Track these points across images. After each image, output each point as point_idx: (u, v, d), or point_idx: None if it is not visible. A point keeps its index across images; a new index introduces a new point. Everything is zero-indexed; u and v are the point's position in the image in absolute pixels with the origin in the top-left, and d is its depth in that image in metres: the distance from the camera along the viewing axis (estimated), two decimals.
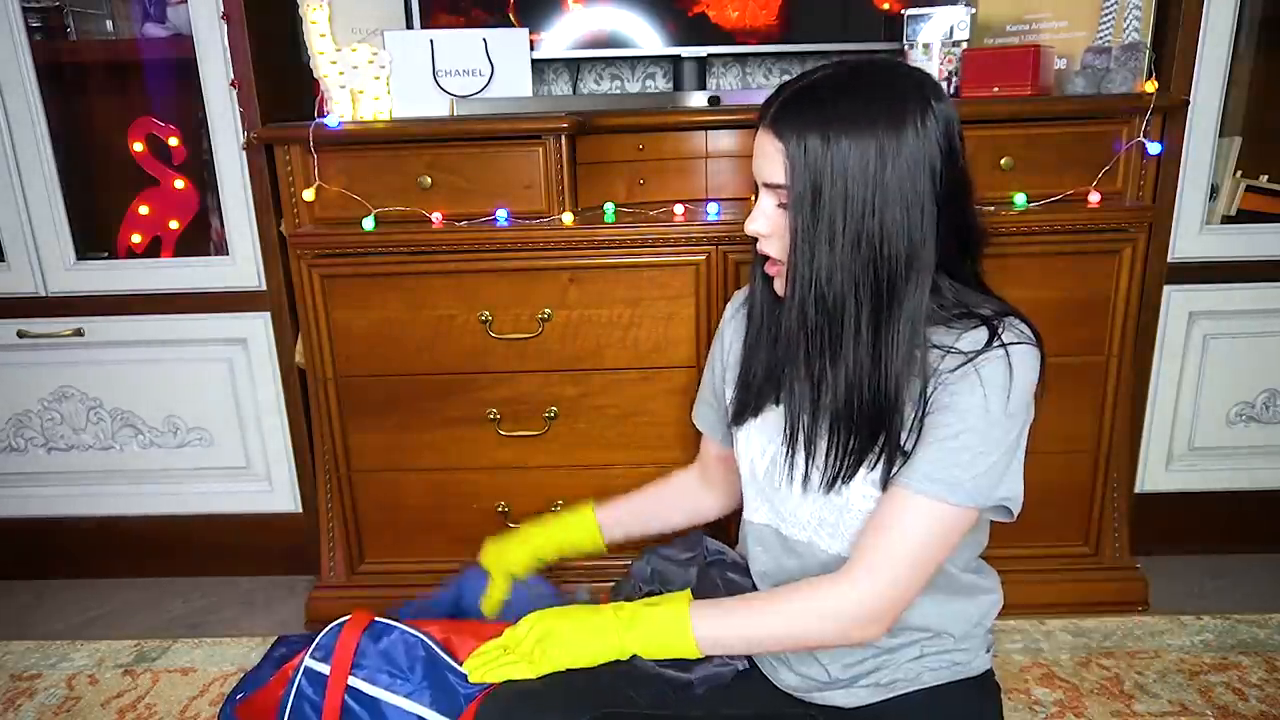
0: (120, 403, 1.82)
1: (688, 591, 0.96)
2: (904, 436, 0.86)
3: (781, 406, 0.95)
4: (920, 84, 0.83)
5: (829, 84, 0.83)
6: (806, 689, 1.01)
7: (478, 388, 1.56)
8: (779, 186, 0.84)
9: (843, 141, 0.80)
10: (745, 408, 1.00)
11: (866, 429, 0.87)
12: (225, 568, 1.91)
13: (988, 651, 1.03)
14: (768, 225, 0.87)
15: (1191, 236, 1.66)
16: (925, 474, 0.84)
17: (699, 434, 1.55)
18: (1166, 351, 1.73)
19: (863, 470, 0.89)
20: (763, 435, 1.00)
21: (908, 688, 0.98)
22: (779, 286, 0.91)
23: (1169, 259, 1.67)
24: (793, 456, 0.92)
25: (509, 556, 1.15)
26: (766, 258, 0.93)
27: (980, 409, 0.83)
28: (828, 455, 0.89)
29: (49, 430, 1.84)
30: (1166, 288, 1.69)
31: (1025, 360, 0.85)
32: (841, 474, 0.89)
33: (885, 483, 0.88)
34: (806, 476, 0.92)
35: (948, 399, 0.84)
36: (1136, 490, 1.81)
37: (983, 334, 0.85)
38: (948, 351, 0.85)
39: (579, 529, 1.18)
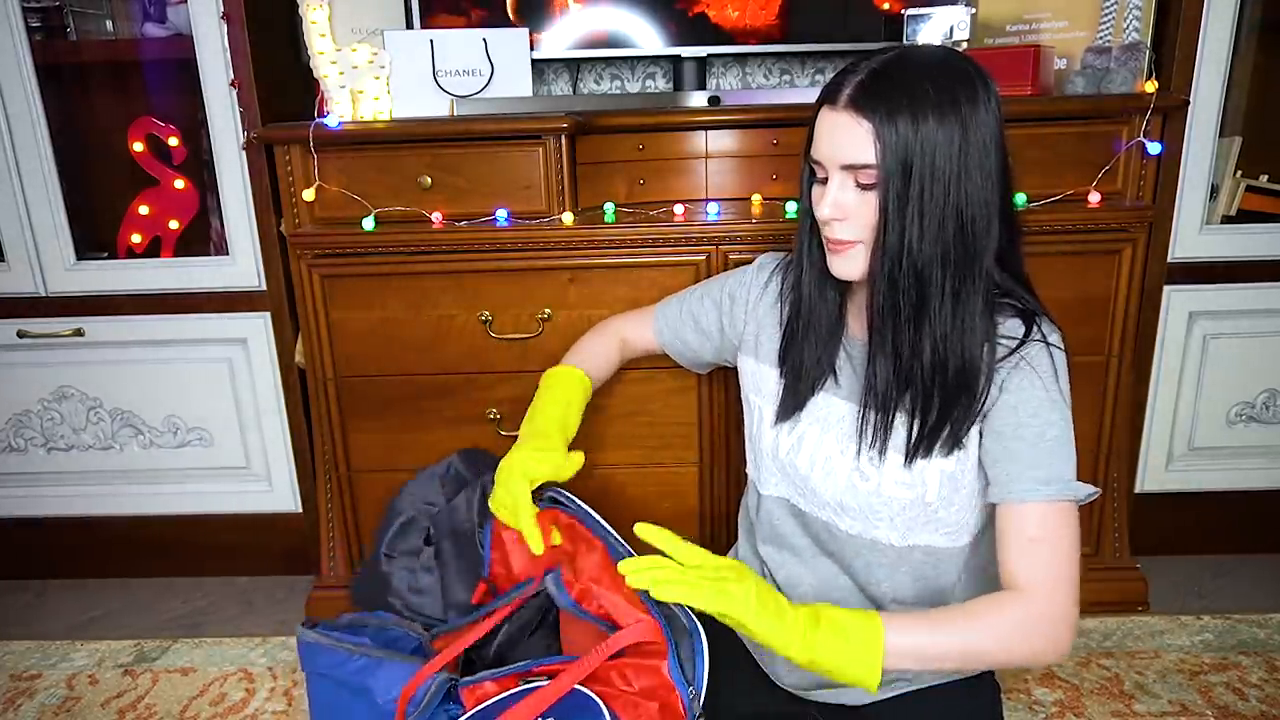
0: (120, 403, 1.82)
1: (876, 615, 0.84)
2: (978, 406, 0.88)
3: (820, 394, 0.98)
4: (977, 66, 0.86)
5: (901, 65, 0.84)
6: (806, 686, 1.01)
7: (478, 388, 1.56)
8: (864, 166, 0.84)
9: (930, 119, 0.82)
10: (798, 403, 1.00)
11: (948, 396, 0.88)
12: (225, 568, 1.91)
13: None
14: (843, 209, 0.87)
15: (1191, 236, 1.66)
16: (1037, 479, 0.85)
17: (699, 431, 1.56)
18: (1166, 351, 1.73)
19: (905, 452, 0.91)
20: (815, 425, 1.00)
21: (907, 687, 0.99)
22: (848, 266, 0.90)
23: (1169, 259, 1.67)
24: (868, 429, 0.92)
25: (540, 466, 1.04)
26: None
27: (1046, 400, 0.87)
28: (911, 425, 0.90)
29: (49, 430, 1.84)
30: (1166, 288, 1.69)
31: (1062, 359, 0.89)
32: (920, 446, 0.90)
33: (911, 461, 0.90)
34: (874, 448, 0.92)
35: (1008, 396, 0.87)
36: (1136, 490, 1.81)
37: (1019, 324, 0.89)
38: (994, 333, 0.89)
39: (581, 394, 1.18)
